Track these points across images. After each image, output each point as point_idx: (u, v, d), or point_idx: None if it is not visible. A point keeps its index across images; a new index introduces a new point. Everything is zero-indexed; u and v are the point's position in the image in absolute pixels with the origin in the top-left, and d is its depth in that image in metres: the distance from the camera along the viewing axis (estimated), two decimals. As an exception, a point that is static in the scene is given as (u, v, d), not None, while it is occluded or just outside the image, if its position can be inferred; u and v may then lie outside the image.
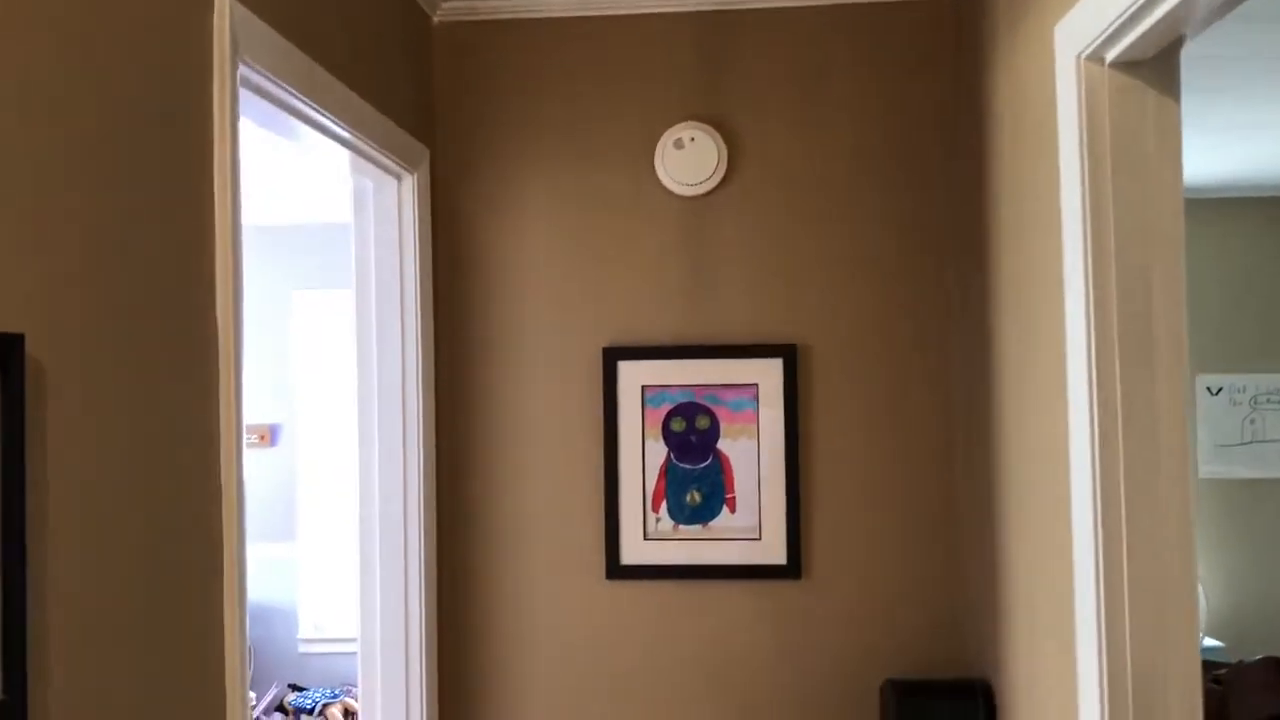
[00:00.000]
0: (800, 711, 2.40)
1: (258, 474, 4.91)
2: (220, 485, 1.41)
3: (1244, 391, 5.00)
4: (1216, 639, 4.33)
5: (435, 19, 2.53)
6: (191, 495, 1.34)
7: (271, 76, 1.61)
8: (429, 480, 2.40)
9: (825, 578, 2.44)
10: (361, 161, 2.18)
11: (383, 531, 2.35)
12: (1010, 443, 2.07)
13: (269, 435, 4.94)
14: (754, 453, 2.47)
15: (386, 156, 2.19)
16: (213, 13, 1.44)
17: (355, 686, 4.16)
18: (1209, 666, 1.68)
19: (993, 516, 2.19)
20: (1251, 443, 5.01)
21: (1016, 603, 2.08)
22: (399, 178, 2.34)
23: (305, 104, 1.74)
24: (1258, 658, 1.87)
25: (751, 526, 2.46)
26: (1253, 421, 5.02)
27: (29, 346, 1.01)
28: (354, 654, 3.20)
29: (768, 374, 2.45)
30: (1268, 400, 4.96)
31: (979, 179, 2.22)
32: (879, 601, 2.42)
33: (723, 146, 2.45)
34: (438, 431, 2.47)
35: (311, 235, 4.81)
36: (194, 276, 1.38)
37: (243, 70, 1.52)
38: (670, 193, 2.47)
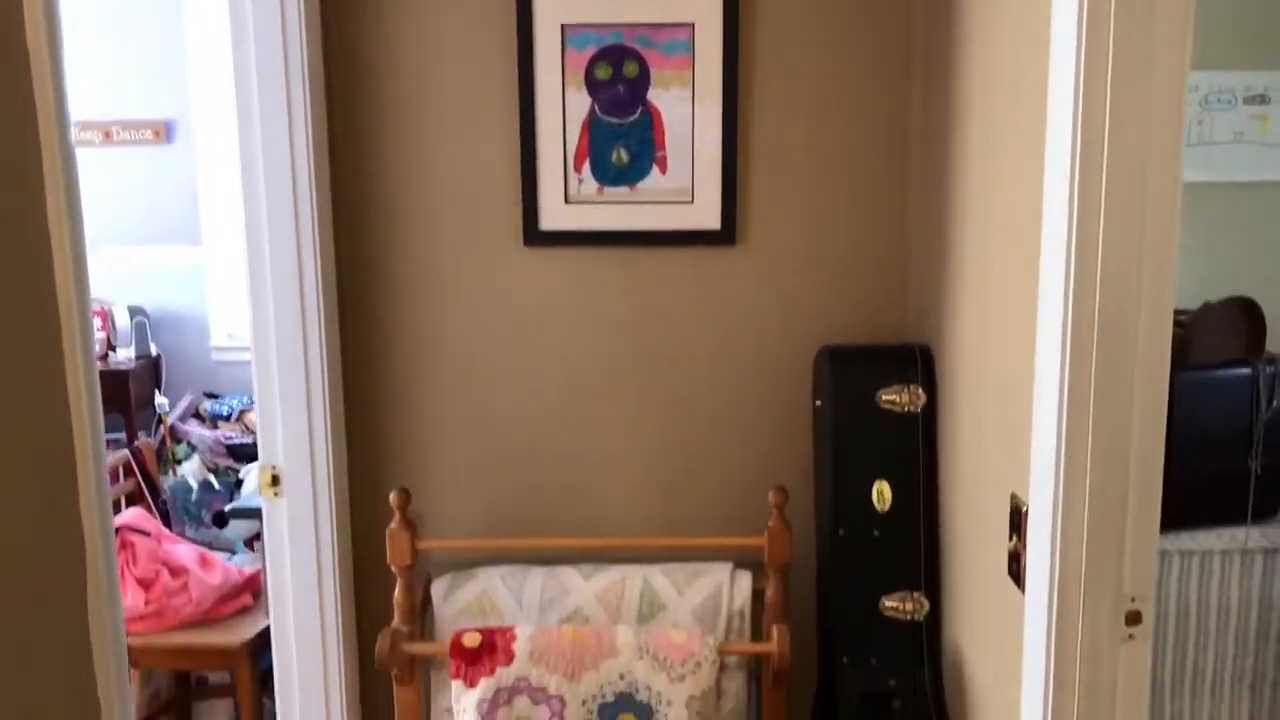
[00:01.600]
0: (732, 383, 2.28)
1: (153, 174, 4.56)
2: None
3: (1196, 90, 4.79)
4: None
5: None
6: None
7: None
8: (320, 154, 2.12)
9: (762, 245, 2.26)
10: None
11: (270, 219, 2.08)
12: (972, 97, 1.85)
13: (163, 131, 4.54)
14: (688, 104, 2.21)
15: None
16: None
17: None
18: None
19: (946, 177, 2.00)
20: (1198, 145, 4.85)
21: (965, 266, 1.92)
22: None
23: None
24: (1223, 298, 1.76)
25: (684, 189, 2.25)
26: (1200, 123, 4.85)
27: None
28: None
29: (706, 10, 2.16)
30: (1218, 100, 4.77)
31: None
32: (818, 267, 2.25)
33: None
34: (328, 94, 2.17)
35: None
36: None
37: None
38: None
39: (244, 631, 2.78)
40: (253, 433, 4.04)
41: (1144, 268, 1.51)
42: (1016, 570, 1.66)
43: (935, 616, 2.09)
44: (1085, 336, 1.51)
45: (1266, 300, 2.02)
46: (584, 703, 1.96)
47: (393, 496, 2.12)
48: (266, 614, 2.79)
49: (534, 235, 2.26)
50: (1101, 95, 1.43)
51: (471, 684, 1.97)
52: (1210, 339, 1.70)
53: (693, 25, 2.18)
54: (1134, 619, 1.53)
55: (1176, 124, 1.47)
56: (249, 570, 2.96)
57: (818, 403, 2.21)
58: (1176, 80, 1.46)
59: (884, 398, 2.11)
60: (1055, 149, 1.50)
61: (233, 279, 4.43)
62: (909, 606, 2.09)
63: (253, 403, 4.23)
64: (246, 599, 2.90)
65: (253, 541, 3.46)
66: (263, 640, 2.92)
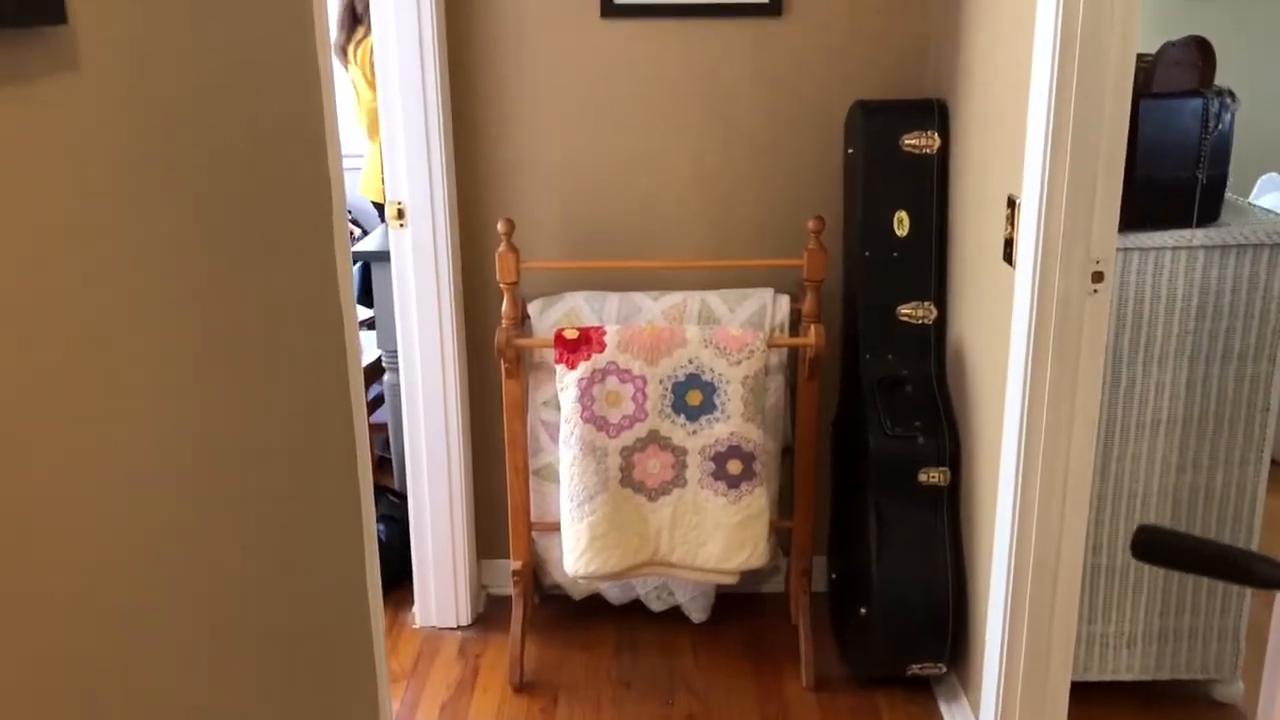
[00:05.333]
0: (777, 133, 2.71)
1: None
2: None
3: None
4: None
5: None
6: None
7: None
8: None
9: (804, 16, 2.65)
10: None
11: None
12: None
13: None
14: (742, -108, 2.58)
15: None
16: None
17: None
18: (1138, 57, 1.96)
19: (964, -59, 2.39)
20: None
21: (975, 32, 2.33)
22: None
23: None
24: (1182, 37, 2.17)
25: (737, -35, 2.63)
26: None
27: None
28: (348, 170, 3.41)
29: None
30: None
31: None
32: (852, 35, 2.66)
33: None
34: None
35: None
36: None
37: None
38: None
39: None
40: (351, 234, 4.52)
41: (1115, 12, 1.92)
42: (1009, 253, 2.13)
43: (942, 320, 2.57)
44: (1068, 70, 1.94)
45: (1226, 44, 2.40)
46: (660, 381, 2.47)
47: (500, 224, 2.57)
48: (376, 346, 3.29)
49: (609, 7, 2.66)
50: None
51: (572, 366, 2.47)
52: (1170, 72, 2.12)
53: None
54: (1098, 278, 2.01)
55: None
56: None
57: (849, 150, 2.65)
58: None
59: (906, 142, 2.55)
60: None
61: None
62: (920, 313, 2.57)
63: (349, 210, 4.67)
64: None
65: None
66: (368, 372, 3.43)
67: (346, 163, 2.45)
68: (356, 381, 1.61)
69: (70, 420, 0.92)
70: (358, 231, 4.76)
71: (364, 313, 4.22)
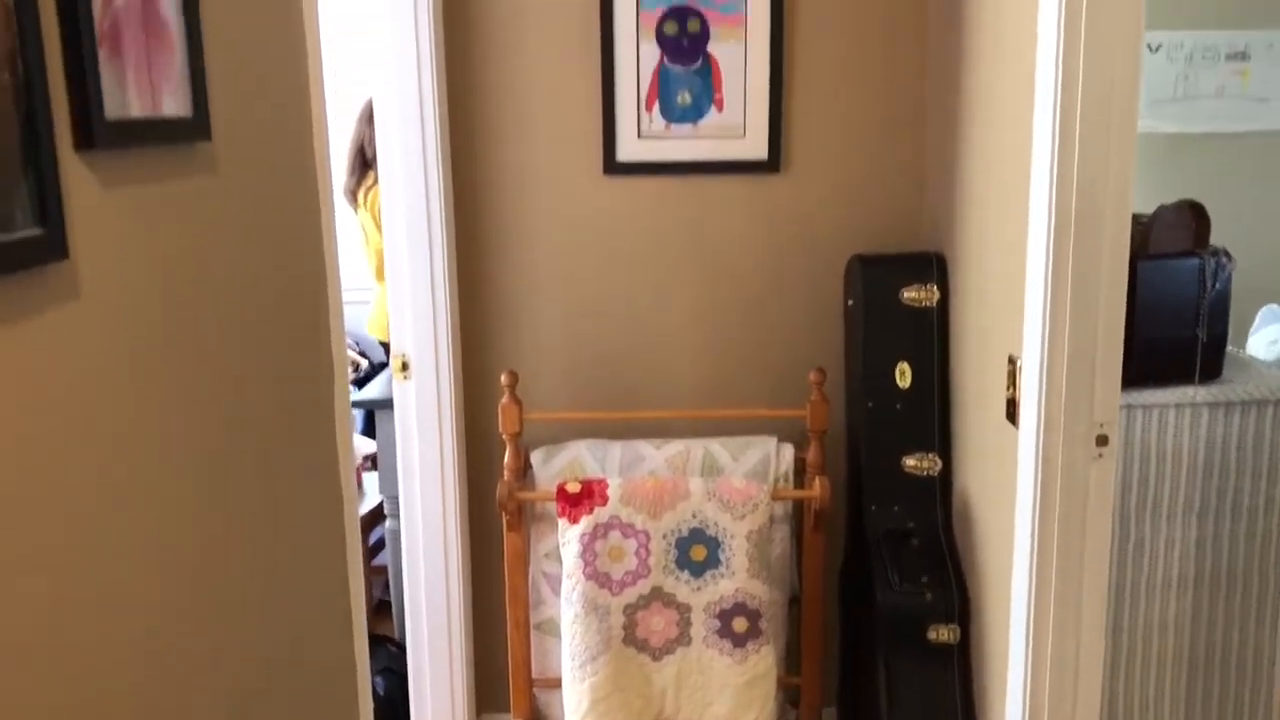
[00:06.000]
0: (777, 285, 2.74)
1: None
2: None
3: (1181, 48, 5.21)
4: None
5: None
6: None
7: None
8: (440, 93, 2.56)
9: (802, 170, 2.71)
10: None
11: (403, 141, 2.54)
12: (980, 50, 2.29)
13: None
14: (741, 55, 2.66)
15: None
16: None
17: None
18: (1134, 217, 2.00)
19: (958, 121, 2.45)
20: (1184, 99, 5.27)
21: (971, 189, 2.38)
22: None
23: None
24: (1174, 201, 2.21)
25: (737, 125, 2.70)
26: (1186, 78, 5.26)
27: None
28: (355, 304, 3.50)
29: (757, -23, 2.61)
30: (1202, 56, 5.18)
31: None
32: (849, 190, 2.71)
33: None
34: (446, 46, 2.61)
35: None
36: None
37: None
38: None
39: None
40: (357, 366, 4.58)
41: (1109, 179, 1.96)
42: (1012, 413, 2.13)
43: (947, 472, 2.56)
44: (1065, 232, 1.97)
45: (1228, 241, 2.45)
46: (664, 536, 2.44)
47: (504, 377, 2.58)
48: (379, 491, 3.27)
49: (612, 165, 2.71)
50: (1076, 52, 1.88)
51: (574, 520, 2.44)
52: (1165, 234, 2.15)
53: (747, -12, 2.62)
54: (1102, 441, 2.00)
55: (1134, 69, 1.91)
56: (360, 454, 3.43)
57: (849, 302, 2.67)
58: (1133, 37, 1.90)
59: (905, 295, 2.57)
60: (1042, 94, 1.94)
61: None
62: (925, 465, 2.56)
63: (357, 342, 4.71)
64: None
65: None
66: (370, 517, 3.41)
67: (352, 295, 2.48)
68: (356, 565, 1.60)
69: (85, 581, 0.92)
70: (363, 363, 4.79)
71: (367, 445, 4.22)
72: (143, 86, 1.07)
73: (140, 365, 1.06)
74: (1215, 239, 2.31)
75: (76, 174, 0.96)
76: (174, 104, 1.14)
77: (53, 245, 0.92)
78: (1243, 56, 5.32)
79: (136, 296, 1.06)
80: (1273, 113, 5.36)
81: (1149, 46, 5.12)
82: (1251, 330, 3.88)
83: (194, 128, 1.19)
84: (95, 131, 0.97)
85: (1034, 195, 2.01)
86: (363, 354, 4.81)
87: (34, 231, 0.89)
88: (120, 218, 1.04)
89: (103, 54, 1.00)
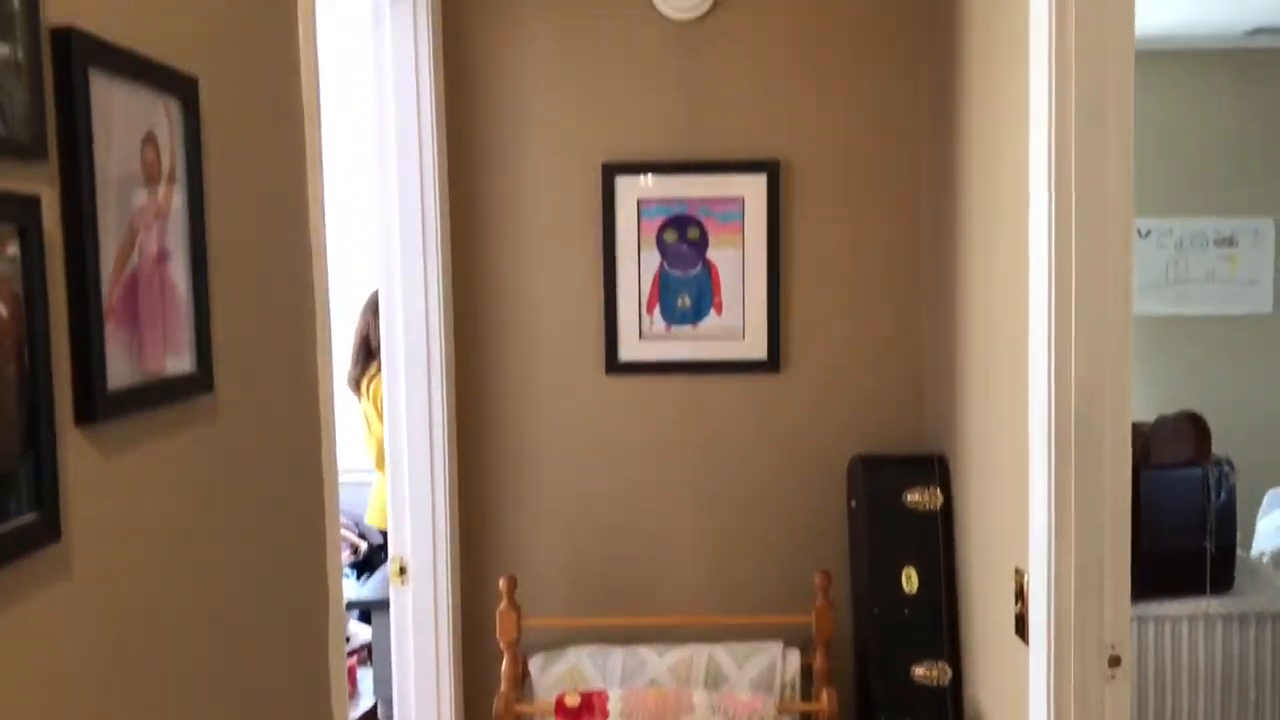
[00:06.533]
0: (779, 486, 2.73)
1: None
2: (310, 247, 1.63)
3: (1170, 234, 5.35)
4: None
5: None
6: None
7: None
8: (445, 290, 2.62)
9: (801, 370, 2.73)
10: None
11: (407, 335, 2.58)
12: (974, 256, 2.35)
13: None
14: (739, 261, 2.73)
15: (406, -26, 2.35)
16: None
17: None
18: (1134, 426, 2.00)
19: (954, 318, 2.49)
20: (1175, 283, 5.38)
21: (970, 390, 2.39)
22: (414, -3, 2.49)
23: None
24: (1174, 412, 2.21)
25: (736, 327, 2.74)
26: (1176, 263, 5.39)
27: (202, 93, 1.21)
28: (358, 485, 3.48)
29: (754, 188, 2.69)
30: (1191, 243, 5.32)
31: (952, 11, 2.44)
32: (850, 390, 2.73)
33: (714, -26, 2.63)
34: (451, 244, 2.69)
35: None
36: (285, 50, 1.57)
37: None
38: (665, 17, 2.66)
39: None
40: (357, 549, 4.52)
41: (1106, 392, 1.97)
42: (1022, 629, 2.08)
43: (957, 680, 2.48)
44: (1065, 445, 1.96)
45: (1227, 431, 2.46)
46: (666, 753, 2.35)
47: (502, 582, 2.54)
48: (372, 693, 3.18)
49: (614, 365, 2.74)
50: (1068, 261, 1.92)
51: (573, 737, 2.36)
52: (1166, 445, 2.15)
53: (743, 199, 2.71)
54: (1115, 662, 1.94)
55: (1126, 283, 1.95)
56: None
57: (852, 503, 2.65)
58: (1123, 227, 1.93)
59: (909, 498, 2.55)
60: (1036, 303, 1.98)
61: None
62: (935, 674, 2.48)
63: (356, 523, 4.67)
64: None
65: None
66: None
67: (352, 477, 2.46)
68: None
69: None
70: (362, 546, 4.73)
71: (364, 632, 4.12)
72: (148, 351, 1.09)
73: (131, 636, 1.04)
74: (1210, 415, 2.30)
75: (76, 449, 0.97)
76: (178, 362, 1.15)
77: (47, 529, 0.91)
78: (1230, 242, 5.44)
79: (130, 566, 1.05)
80: (1261, 295, 5.46)
81: (1139, 232, 5.26)
82: (1260, 514, 3.84)
83: (197, 382, 1.20)
84: (97, 406, 0.98)
85: (1032, 408, 2.01)
86: (362, 535, 4.75)
87: (29, 518, 0.89)
88: (117, 488, 1.04)
89: (110, 327, 1.02)
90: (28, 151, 0.90)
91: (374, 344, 3.80)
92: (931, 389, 2.68)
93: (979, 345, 2.34)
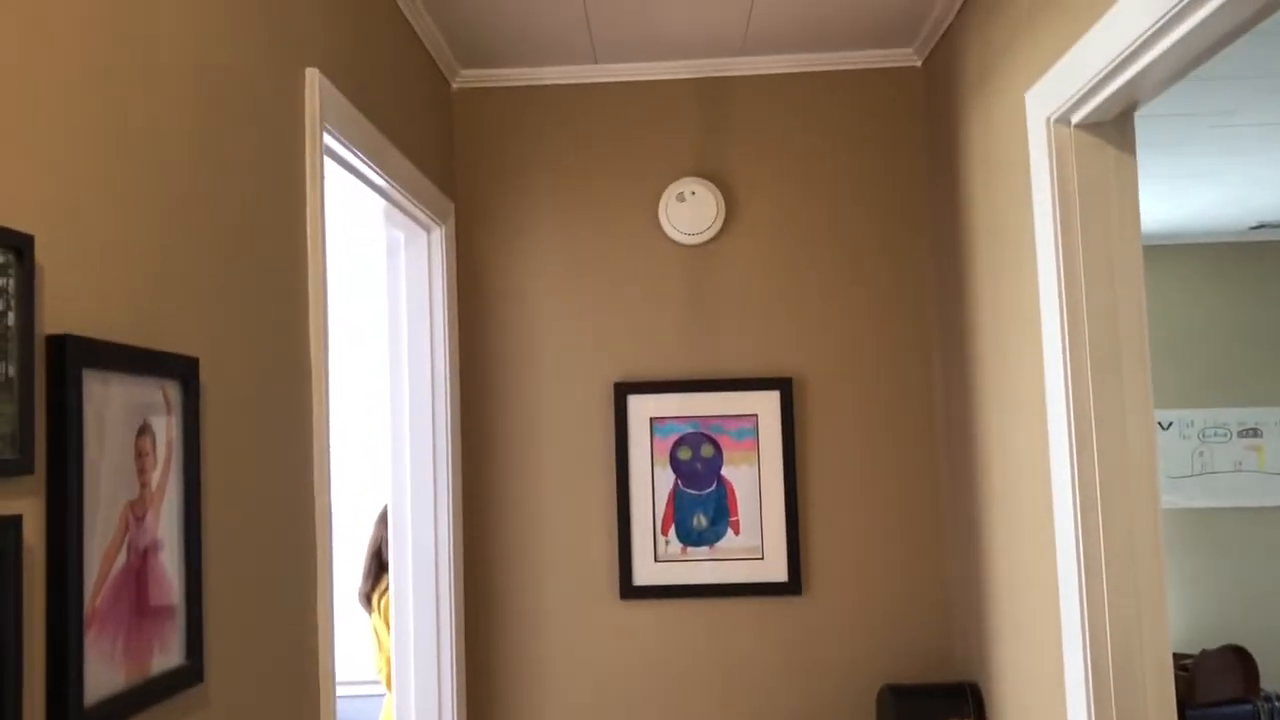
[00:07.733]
0: (807, 712, 2.59)
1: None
2: (315, 497, 1.60)
3: (1192, 425, 5.30)
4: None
5: (454, 85, 2.76)
6: (297, 509, 1.53)
7: (344, 140, 1.81)
8: (456, 510, 2.58)
9: (824, 593, 2.64)
10: (396, 214, 2.39)
11: (415, 557, 2.52)
12: (993, 467, 2.30)
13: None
14: (755, 478, 2.68)
15: (421, 210, 2.40)
16: (304, 85, 1.66)
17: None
18: (1176, 657, 1.90)
19: (978, 535, 2.42)
20: (1201, 474, 5.29)
21: (1000, 613, 2.30)
22: (428, 230, 2.54)
23: (367, 165, 1.95)
24: (1218, 646, 2.10)
25: (754, 547, 2.66)
26: (1201, 454, 5.31)
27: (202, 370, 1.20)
28: (368, 697, 3.37)
29: (767, 405, 2.67)
30: (1214, 434, 5.26)
31: (956, 223, 2.47)
32: (874, 614, 2.62)
33: (721, 199, 2.69)
34: (463, 464, 2.66)
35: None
36: (293, 308, 1.57)
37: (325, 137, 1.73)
38: (674, 242, 2.70)
39: None
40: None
41: (1143, 628, 1.87)
42: None
43: None
44: (1104, 682, 1.86)
45: (1264, 630, 2.35)
46: None
47: (513, 831, 2.39)
48: None
49: (628, 590, 2.66)
50: (1093, 496, 1.86)
51: None
52: (1212, 680, 2.04)
53: (757, 416, 2.68)
54: None
55: (1154, 512, 1.88)
56: None
57: (883, 737, 2.51)
58: (1148, 461, 1.88)
59: (942, 731, 2.41)
60: (1063, 541, 1.91)
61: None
62: None
63: None
64: None
65: None
66: None
67: (355, 690, 2.34)
68: None
69: None
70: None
71: None
72: (134, 654, 1.04)
73: None
74: (1242, 607, 2.17)
75: (44, 778, 0.90)
76: (165, 660, 1.10)
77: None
78: (1254, 433, 5.38)
79: None
80: (1292, 486, 5.33)
81: (1160, 424, 5.20)
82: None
83: (187, 675, 1.14)
84: (71, 728, 0.92)
85: (1066, 644, 1.91)
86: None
87: None
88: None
89: (91, 635, 0.97)
90: (14, 466, 0.88)
91: (385, 556, 3.73)
92: (960, 612, 2.58)
93: (1004, 573, 2.25)
